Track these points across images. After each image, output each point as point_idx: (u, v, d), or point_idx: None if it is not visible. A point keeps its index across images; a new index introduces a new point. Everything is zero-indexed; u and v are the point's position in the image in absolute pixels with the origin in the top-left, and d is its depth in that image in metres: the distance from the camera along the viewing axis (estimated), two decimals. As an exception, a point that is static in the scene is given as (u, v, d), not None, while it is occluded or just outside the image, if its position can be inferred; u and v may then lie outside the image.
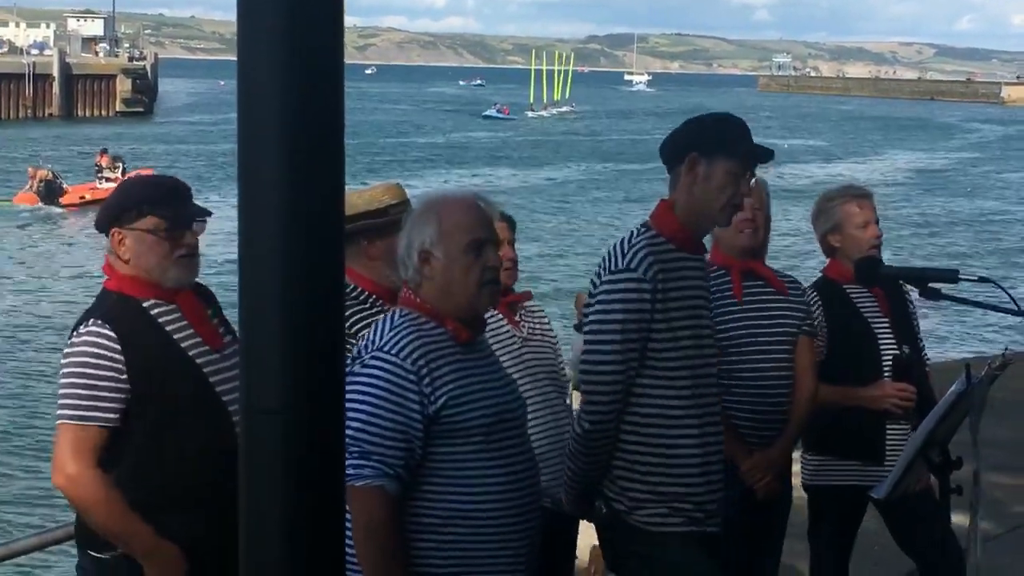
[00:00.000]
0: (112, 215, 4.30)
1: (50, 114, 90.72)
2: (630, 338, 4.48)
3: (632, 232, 4.65)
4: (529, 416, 5.07)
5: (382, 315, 4.03)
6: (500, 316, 5.19)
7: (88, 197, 43.41)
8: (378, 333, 3.89)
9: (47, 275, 33.10)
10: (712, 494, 4.63)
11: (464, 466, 3.84)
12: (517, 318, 5.31)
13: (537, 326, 5.39)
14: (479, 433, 3.86)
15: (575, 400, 6.02)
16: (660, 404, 4.53)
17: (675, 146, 4.66)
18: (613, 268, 4.54)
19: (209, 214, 4.40)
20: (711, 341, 4.72)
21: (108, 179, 44.84)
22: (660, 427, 4.53)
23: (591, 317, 4.58)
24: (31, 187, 46.13)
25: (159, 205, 4.28)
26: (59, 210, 44.21)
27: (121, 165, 47.34)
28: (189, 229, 4.32)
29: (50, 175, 46.18)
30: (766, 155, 4.69)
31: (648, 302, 4.48)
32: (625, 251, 4.55)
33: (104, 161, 48.06)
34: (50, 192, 45.41)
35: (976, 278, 4.71)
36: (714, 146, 4.57)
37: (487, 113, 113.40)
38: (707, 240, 5.22)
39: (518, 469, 3.95)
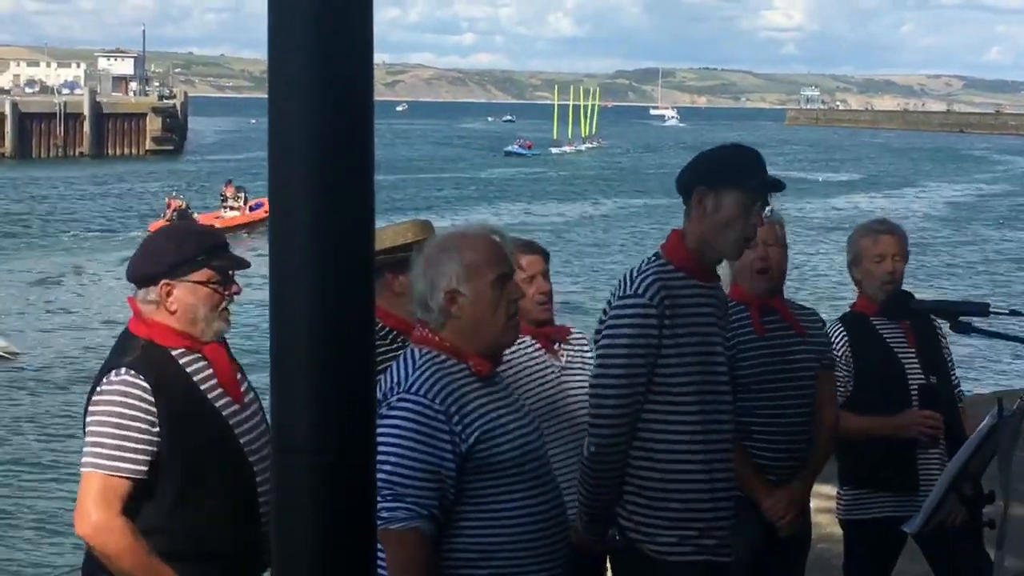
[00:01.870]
0: (166, 268, 4.24)
1: (81, 153, 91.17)
2: (637, 363, 4.50)
3: (643, 261, 4.69)
4: (564, 444, 5.08)
5: (400, 355, 4.00)
6: (538, 346, 5.21)
7: (217, 226, 44.49)
8: (401, 374, 3.86)
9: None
10: (720, 520, 4.62)
11: (498, 500, 3.83)
12: (556, 348, 5.33)
13: (577, 356, 5.41)
14: (511, 465, 3.85)
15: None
16: (666, 429, 4.55)
17: (686, 180, 4.70)
18: (621, 295, 4.59)
19: (248, 265, 4.39)
20: (724, 369, 4.72)
21: (232, 208, 48.97)
22: (666, 451, 4.55)
23: (600, 342, 4.61)
24: (166, 216, 48.29)
25: (214, 257, 4.27)
26: None
27: (243, 195, 50.52)
28: (234, 281, 4.34)
29: (184, 205, 48.89)
30: (776, 186, 4.70)
31: (655, 327, 4.51)
32: (634, 278, 4.60)
33: (229, 191, 50.88)
34: (183, 220, 46.98)
35: (1007, 311, 4.70)
36: (722, 179, 4.60)
37: (509, 149, 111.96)
38: (723, 271, 5.25)
39: (548, 499, 3.95)
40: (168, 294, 4.23)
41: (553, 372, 5.26)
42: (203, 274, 4.25)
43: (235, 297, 4.36)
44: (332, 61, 1.70)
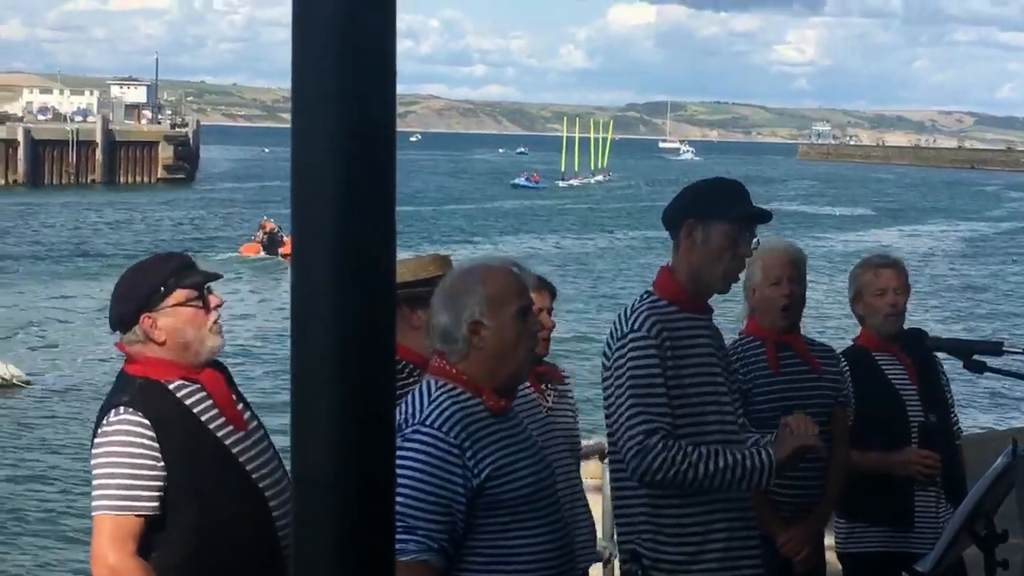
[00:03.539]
0: (138, 304, 4.22)
1: (93, 180, 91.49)
2: (650, 390, 4.49)
3: (635, 300, 4.72)
4: None
5: (415, 386, 3.99)
6: (528, 385, 5.21)
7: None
8: (416, 406, 3.85)
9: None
10: (741, 552, 4.61)
11: (508, 535, 3.83)
12: (543, 387, 5.33)
13: (562, 399, 5.41)
14: (523, 502, 3.85)
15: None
16: None
17: (674, 213, 4.72)
18: (620, 335, 4.61)
19: (219, 276, 4.40)
20: (728, 399, 4.72)
21: None
22: (668, 492, 4.54)
23: (611, 384, 4.59)
24: (258, 238, 50.53)
25: (181, 276, 4.26)
26: (279, 259, 47.56)
27: (281, 234, 50.98)
28: (211, 292, 4.32)
29: (276, 228, 50.24)
30: (763, 217, 4.72)
31: (656, 357, 4.52)
32: (629, 316, 4.63)
33: (268, 227, 51.54)
34: (272, 243, 49.69)
35: (1021, 350, 4.69)
36: (709, 211, 4.62)
37: (516, 181, 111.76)
38: (733, 301, 5.25)
39: (558, 536, 3.94)
40: (152, 325, 4.21)
41: (541, 412, 5.25)
42: (179, 295, 4.23)
43: (219, 311, 4.33)
44: (355, 94, 1.70)
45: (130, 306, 4.23)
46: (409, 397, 3.90)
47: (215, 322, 4.29)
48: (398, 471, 3.67)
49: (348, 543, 1.71)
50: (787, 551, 5.42)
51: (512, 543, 3.83)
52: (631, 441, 4.47)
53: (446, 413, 3.81)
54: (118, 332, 4.31)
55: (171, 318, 4.22)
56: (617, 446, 4.56)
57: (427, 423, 3.79)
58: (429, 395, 3.87)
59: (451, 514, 3.74)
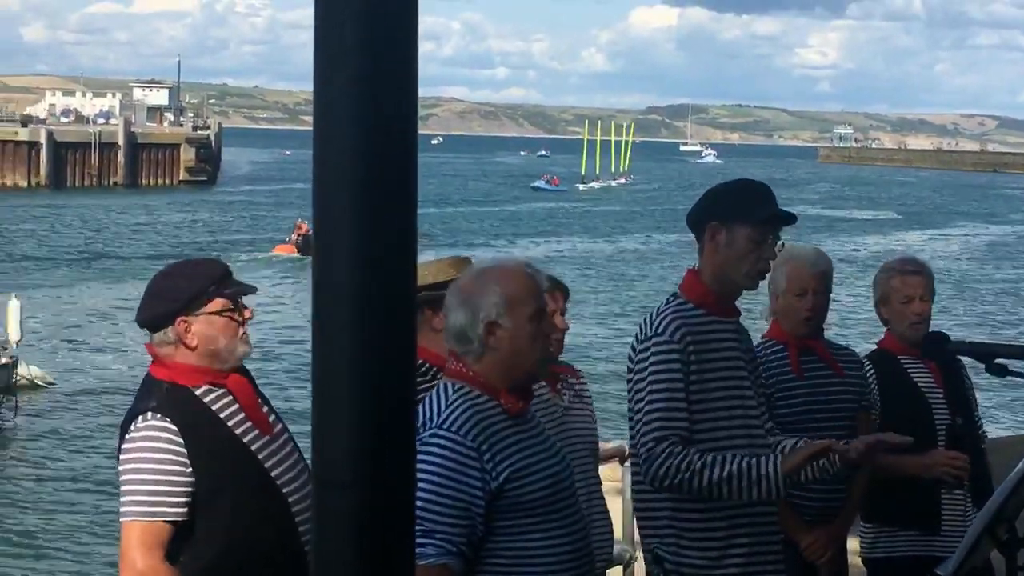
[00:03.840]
0: (179, 305, 4.22)
1: (115, 183, 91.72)
2: (672, 396, 4.49)
3: (662, 302, 4.72)
4: None
5: (432, 389, 3.99)
6: (544, 385, 5.20)
7: None
8: (434, 409, 3.85)
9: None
10: (764, 558, 4.61)
11: (527, 538, 3.83)
12: (559, 387, 5.32)
13: (577, 397, 5.40)
14: (541, 504, 3.84)
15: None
16: None
17: (697, 216, 4.72)
18: (643, 338, 4.61)
19: (255, 289, 4.41)
20: (755, 403, 4.71)
21: None
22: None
23: (634, 387, 4.60)
24: (293, 239, 50.54)
25: (223, 286, 4.27)
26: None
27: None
28: (246, 306, 4.33)
29: (311, 230, 49.93)
30: (788, 219, 4.71)
31: (678, 362, 4.52)
32: (654, 320, 4.63)
33: (304, 229, 51.55)
34: (306, 244, 49.11)
35: (1044, 354, 4.67)
36: (733, 214, 4.61)
37: (536, 184, 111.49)
38: (753, 306, 5.24)
39: (576, 538, 3.94)
40: (187, 330, 4.21)
41: (557, 412, 5.24)
42: (216, 304, 4.24)
43: (249, 321, 4.35)
44: (378, 89, 1.70)
45: (168, 307, 4.23)
46: (426, 401, 3.90)
47: (245, 332, 4.31)
48: (416, 475, 3.69)
49: (368, 546, 1.71)
50: (810, 555, 5.41)
51: (531, 545, 3.83)
52: (643, 448, 4.50)
53: (463, 416, 3.81)
54: (146, 331, 4.32)
55: (206, 325, 4.22)
56: (636, 450, 4.57)
57: (444, 426, 3.79)
58: (446, 398, 3.87)
59: (470, 517, 3.74)
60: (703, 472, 4.40)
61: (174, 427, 4.10)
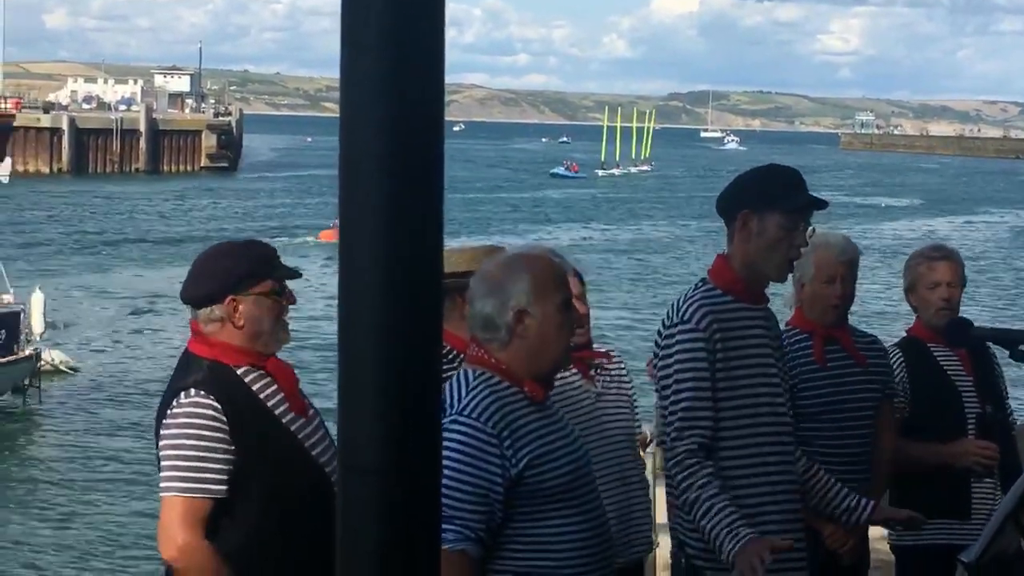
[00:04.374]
0: (231, 283, 4.23)
1: (136, 169, 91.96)
2: (697, 385, 4.50)
3: (690, 287, 4.71)
4: (599, 472, 5.06)
5: (453, 375, 3.97)
6: (575, 371, 5.19)
7: None
8: (455, 395, 3.85)
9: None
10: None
11: (546, 526, 3.83)
12: (592, 373, 5.31)
13: (613, 382, 5.38)
14: (561, 491, 3.85)
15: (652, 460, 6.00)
16: (725, 455, 4.55)
17: (727, 203, 4.69)
18: (670, 323, 4.62)
19: (299, 275, 4.41)
20: (781, 390, 4.70)
21: None
22: (727, 477, 4.54)
23: (660, 374, 4.60)
24: (336, 224, 50.13)
25: (273, 269, 4.29)
26: None
27: None
28: (290, 291, 4.34)
29: None
30: (819, 206, 4.69)
31: (704, 351, 4.51)
32: (681, 306, 4.62)
33: None
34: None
35: (1069, 340, 4.65)
36: (765, 201, 4.58)
37: (555, 171, 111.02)
38: (787, 292, 5.21)
39: (595, 525, 3.94)
40: (235, 309, 4.22)
41: (589, 398, 5.23)
42: (265, 286, 4.25)
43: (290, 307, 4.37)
44: (404, 74, 1.70)
45: (219, 285, 4.24)
46: (447, 387, 3.89)
47: (286, 318, 4.32)
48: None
49: (392, 531, 1.71)
50: (832, 543, 5.40)
51: (550, 531, 3.83)
52: (667, 437, 4.54)
53: (484, 402, 3.81)
54: (190, 308, 4.32)
55: (254, 306, 4.24)
56: (668, 437, 4.57)
57: (465, 412, 3.79)
58: (467, 384, 3.87)
59: (489, 503, 3.75)
60: (696, 505, 4.43)
61: (216, 404, 4.11)
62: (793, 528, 4.65)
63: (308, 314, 30.13)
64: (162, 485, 4.15)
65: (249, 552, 4.12)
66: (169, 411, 4.16)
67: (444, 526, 3.61)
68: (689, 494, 4.45)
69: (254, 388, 4.23)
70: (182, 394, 4.16)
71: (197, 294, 4.30)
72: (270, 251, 4.40)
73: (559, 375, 5.00)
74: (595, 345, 5.46)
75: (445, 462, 3.67)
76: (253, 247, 4.46)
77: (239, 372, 4.23)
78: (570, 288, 4.00)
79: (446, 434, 3.73)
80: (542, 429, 3.88)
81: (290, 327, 4.40)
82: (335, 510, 4.09)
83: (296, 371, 4.46)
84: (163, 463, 4.15)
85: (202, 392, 4.13)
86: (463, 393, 3.84)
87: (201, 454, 4.08)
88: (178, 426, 4.12)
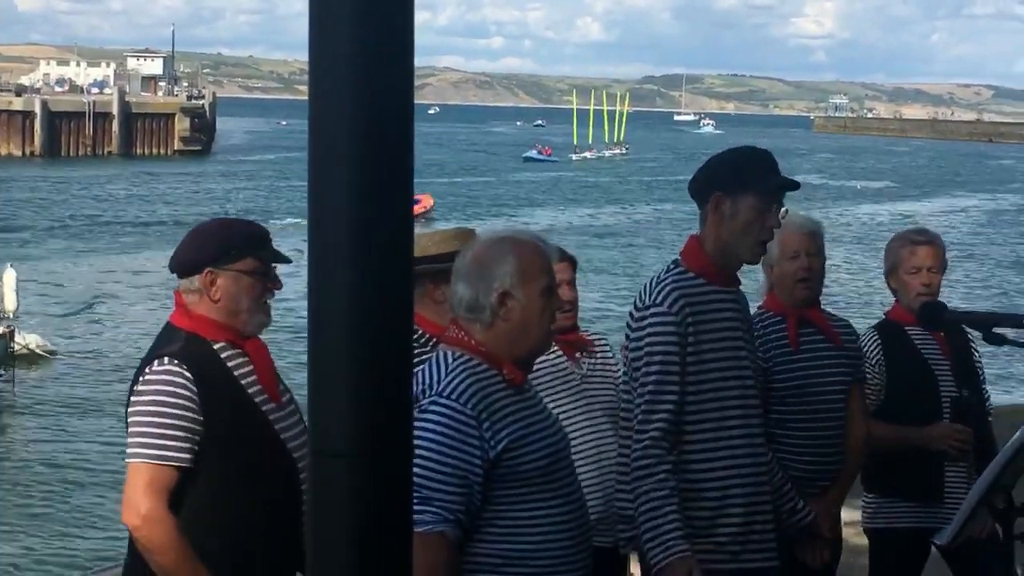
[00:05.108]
0: (210, 255, 4.22)
1: (109, 152, 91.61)
2: (666, 368, 4.50)
3: (662, 269, 4.70)
4: (579, 450, 5.07)
5: (431, 356, 3.96)
6: (560, 352, 5.20)
7: None
8: (433, 376, 3.83)
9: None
10: (755, 527, 4.60)
11: (523, 508, 3.82)
12: (577, 355, 5.32)
13: (598, 365, 5.39)
14: (539, 474, 3.84)
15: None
16: (692, 438, 4.55)
17: (700, 185, 4.69)
18: (641, 306, 4.60)
19: (289, 260, 4.38)
20: (750, 372, 4.70)
21: None
22: (693, 460, 4.55)
23: (631, 356, 4.60)
24: None
25: (257, 247, 4.26)
26: None
27: None
28: (276, 276, 4.32)
29: None
30: (791, 187, 4.69)
31: (675, 334, 4.51)
32: (653, 288, 4.61)
33: None
34: None
35: (1041, 323, 4.66)
36: (737, 184, 4.58)
37: (527, 155, 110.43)
38: (759, 278, 5.21)
39: (573, 508, 3.93)
40: (212, 283, 4.20)
41: (574, 380, 5.25)
42: (246, 263, 4.22)
43: (275, 293, 4.34)
44: (374, 60, 1.69)
45: (200, 256, 4.23)
46: (425, 368, 3.88)
47: (268, 301, 4.30)
48: (415, 442, 3.68)
49: (365, 516, 1.71)
50: (810, 560, 5.39)
51: (528, 514, 3.82)
52: (634, 420, 4.54)
53: (463, 384, 3.80)
54: (176, 277, 4.31)
55: (232, 281, 4.21)
56: (636, 418, 4.57)
57: (444, 394, 3.78)
58: (446, 366, 3.85)
59: (468, 485, 3.74)
60: (648, 497, 4.44)
61: (189, 374, 4.09)
62: (760, 510, 4.66)
63: (281, 296, 30.00)
64: (128, 451, 4.12)
65: (209, 526, 4.10)
66: (141, 378, 4.15)
67: (423, 508, 3.62)
68: (643, 484, 4.46)
69: (229, 364, 4.20)
70: (155, 362, 4.14)
71: (179, 263, 4.29)
72: (260, 231, 4.37)
73: (545, 357, 5.02)
74: (581, 331, 5.48)
75: (424, 443, 3.68)
76: (243, 225, 4.44)
77: (216, 347, 4.20)
78: (554, 274, 3.99)
79: (425, 415, 3.73)
80: (520, 412, 3.87)
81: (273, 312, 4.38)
82: (300, 494, 4.03)
83: (276, 355, 4.45)
84: (131, 429, 4.13)
85: (175, 362, 4.11)
86: (442, 375, 3.83)
87: (169, 421, 4.06)
88: (148, 393, 4.10)
